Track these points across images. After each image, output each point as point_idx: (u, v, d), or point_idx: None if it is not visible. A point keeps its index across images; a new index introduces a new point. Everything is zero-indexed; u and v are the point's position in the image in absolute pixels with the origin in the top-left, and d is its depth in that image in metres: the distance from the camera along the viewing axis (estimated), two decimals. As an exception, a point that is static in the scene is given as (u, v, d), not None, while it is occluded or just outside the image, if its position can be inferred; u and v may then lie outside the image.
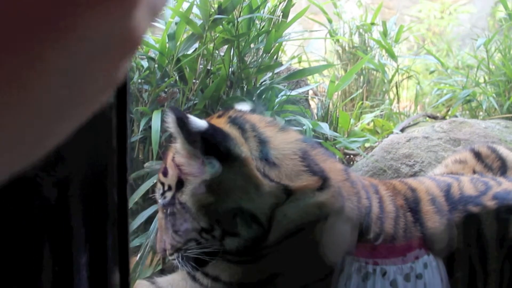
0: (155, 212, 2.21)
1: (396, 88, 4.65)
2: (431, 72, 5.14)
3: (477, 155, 2.43)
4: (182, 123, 1.68)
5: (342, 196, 1.86)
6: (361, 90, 4.51)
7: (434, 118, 4.19)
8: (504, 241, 2.03)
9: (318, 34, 4.79)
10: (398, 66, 4.50)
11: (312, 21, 4.77)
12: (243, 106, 2.07)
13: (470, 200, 2.07)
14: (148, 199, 2.47)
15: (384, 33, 4.58)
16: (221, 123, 1.84)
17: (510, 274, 2.03)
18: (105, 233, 1.15)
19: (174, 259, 1.84)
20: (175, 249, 1.84)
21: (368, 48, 4.77)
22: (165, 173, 1.87)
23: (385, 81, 4.56)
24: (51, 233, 1.04)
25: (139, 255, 2.01)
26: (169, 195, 1.83)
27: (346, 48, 4.85)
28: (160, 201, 1.87)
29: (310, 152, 1.91)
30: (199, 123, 1.69)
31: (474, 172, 2.36)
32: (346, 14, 5.04)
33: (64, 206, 1.05)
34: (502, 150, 2.45)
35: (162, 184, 1.86)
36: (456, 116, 4.16)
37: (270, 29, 2.70)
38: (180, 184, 1.81)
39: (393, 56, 4.45)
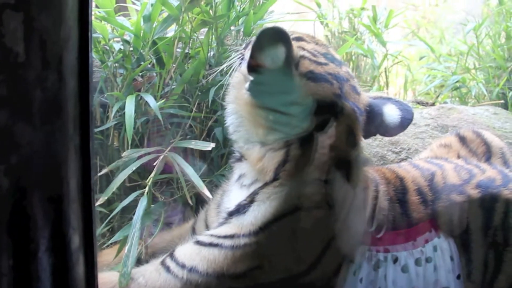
0: (134, 201, 2.17)
1: (386, 74, 4.58)
2: (421, 58, 5.08)
3: (462, 140, 2.39)
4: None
5: None
6: (349, 76, 4.45)
7: (424, 104, 4.14)
8: (488, 229, 2.00)
9: (307, 17, 4.71)
10: (387, 51, 4.43)
11: (302, 6, 4.69)
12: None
13: (453, 189, 2.03)
14: (126, 189, 2.42)
15: (374, 18, 4.51)
16: None
17: (494, 263, 2.00)
18: (67, 222, 1.10)
19: None
20: None
21: (358, 33, 4.70)
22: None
23: (374, 67, 4.49)
24: (5, 222, 0.98)
25: (127, 248, 1.95)
26: None
27: (336, 33, 4.78)
28: None
29: None
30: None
31: (459, 156, 2.32)
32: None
33: (18, 194, 0.99)
34: (487, 135, 2.41)
35: None
36: (445, 103, 4.12)
37: (251, 10, 2.63)
38: None
39: (381, 41, 4.38)
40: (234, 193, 1.96)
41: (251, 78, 1.77)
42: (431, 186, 2.05)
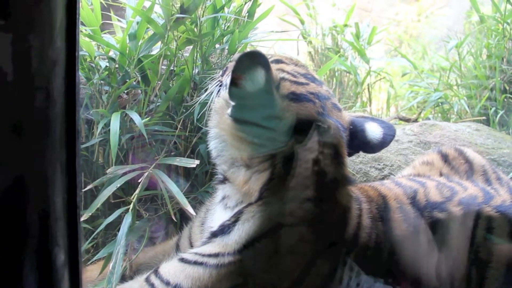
0: (119, 218, 2.17)
1: (368, 90, 4.62)
2: (404, 75, 5.12)
3: (444, 157, 2.41)
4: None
5: None
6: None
7: (406, 120, 4.16)
8: (471, 246, 2.01)
9: (291, 35, 4.74)
10: (370, 68, 4.47)
11: (286, 23, 4.72)
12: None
13: (435, 206, 2.05)
14: (110, 205, 2.41)
15: (357, 35, 4.55)
16: None
17: (476, 279, 2.01)
18: (52, 239, 1.10)
19: None
20: None
21: (341, 50, 4.74)
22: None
23: (357, 83, 4.53)
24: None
25: (111, 265, 1.94)
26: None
27: (319, 50, 4.82)
28: None
29: None
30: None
31: (441, 174, 2.34)
32: (320, 16, 5.00)
33: (5, 213, 0.99)
34: (469, 152, 2.43)
35: None
36: (428, 119, 4.15)
37: (236, 29, 2.65)
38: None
39: (364, 58, 4.42)
40: (217, 213, 1.96)
41: (233, 103, 1.78)
42: (414, 204, 2.06)
